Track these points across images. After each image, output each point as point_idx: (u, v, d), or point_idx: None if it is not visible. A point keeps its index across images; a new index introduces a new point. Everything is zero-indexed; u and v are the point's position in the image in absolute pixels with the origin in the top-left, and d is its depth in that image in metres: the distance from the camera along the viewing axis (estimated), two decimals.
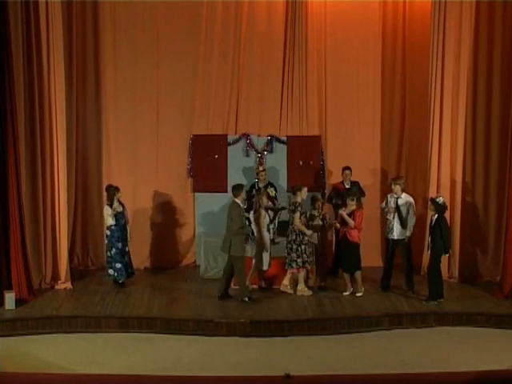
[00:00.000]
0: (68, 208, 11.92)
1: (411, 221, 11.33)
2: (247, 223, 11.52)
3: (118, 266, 11.52)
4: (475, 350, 9.75)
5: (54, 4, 11.19)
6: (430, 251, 11.13)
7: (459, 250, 12.12)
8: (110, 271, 11.60)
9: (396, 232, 11.36)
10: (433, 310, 10.79)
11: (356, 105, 13.21)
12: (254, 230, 11.50)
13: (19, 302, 10.66)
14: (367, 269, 12.39)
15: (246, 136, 12.96)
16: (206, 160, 12.89)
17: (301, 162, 12.96)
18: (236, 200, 11.11)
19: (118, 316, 10.49)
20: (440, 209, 10.98)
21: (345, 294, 11.40)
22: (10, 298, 10.53)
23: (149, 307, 10.88)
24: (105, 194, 12.69)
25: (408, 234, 11.33)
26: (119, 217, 11.52)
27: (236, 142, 12.98)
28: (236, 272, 11.09)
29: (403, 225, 11.29)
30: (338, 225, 11.43)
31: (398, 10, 13.09)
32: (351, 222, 11.21)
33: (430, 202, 11.17)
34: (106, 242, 11.65)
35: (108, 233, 11.57)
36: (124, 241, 11.61)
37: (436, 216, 10.99)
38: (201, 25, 12.83)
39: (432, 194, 11.69)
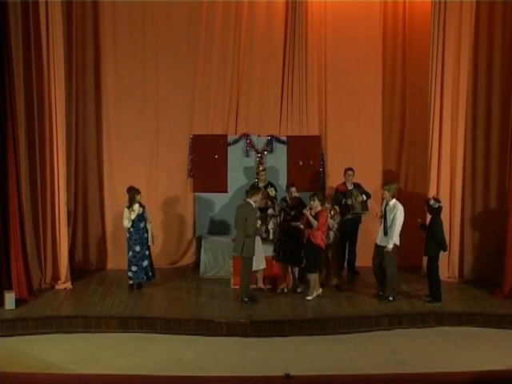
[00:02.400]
0: (68, 208, 11.92)
1: (395, 230, 10.80)
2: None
3: (134, 268, 11.47)
4: (475, 350, 9.76)
5: (54, 4, 11.18)
6: (425, 253, 11.13)
7: (459, 250, 12.11)
8: (129, 273, 11.53)
9: (379, 238, 11.03)
10: (433, 310, 10.79)
11: (356, 105, 13.18)
12: None
13: (19, 301, 10.65)
14: (367, 269, 12.38)
15: (246, 136, 12.96)
16: (206, 160, 12.88)
17: (301, 162, 12.97)
18: (250, 201, 10.98)
19: (118, 316, 10.49)
20: (433, 210, 10.94)
21: (308, 298, 11.13)
22: (9, 298, 10.53)
23: (149, 307, 10.89)
24: (105, 193, 12.76)
25: (390, 244, 10.80)
26: (138, 219, 11.43)
27: (236, 142, 12.97)
28: (243, 272, 10.99)
29: (385, 232, 10.95)
30: (302, 226, 11.09)
31: (398, 9, 13.06)
32: (315, 222, 10.88)
33: (425, 204, 11.15)
34: (127, 243, 11.59)
35: (127, 235, 11.52)
36: (143, 244, 11.50)
37: (429, 218, 10.98)
38: (201, 25, 12.81)
39: (432, 194, 11.68)
